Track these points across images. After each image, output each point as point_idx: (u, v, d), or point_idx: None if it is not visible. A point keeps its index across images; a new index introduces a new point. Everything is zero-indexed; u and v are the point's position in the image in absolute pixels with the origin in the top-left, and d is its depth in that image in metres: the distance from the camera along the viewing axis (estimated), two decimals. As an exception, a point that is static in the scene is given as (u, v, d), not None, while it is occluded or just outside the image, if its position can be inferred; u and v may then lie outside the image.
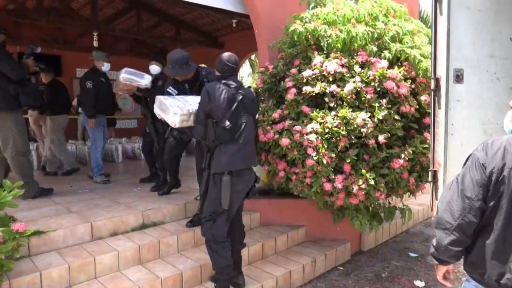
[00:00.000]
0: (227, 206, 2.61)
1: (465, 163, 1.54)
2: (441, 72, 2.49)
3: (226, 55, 2.85)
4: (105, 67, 4.97)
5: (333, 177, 3.17)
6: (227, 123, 2.62)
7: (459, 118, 2.58)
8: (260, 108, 3.47)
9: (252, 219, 3.93)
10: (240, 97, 2.69)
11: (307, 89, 3.28)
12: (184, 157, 4.06)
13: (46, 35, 8.68)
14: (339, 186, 3.14)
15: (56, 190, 4.30)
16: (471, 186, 1.44)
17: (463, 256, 1.58)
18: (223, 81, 2.72)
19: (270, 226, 3.97)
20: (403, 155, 3.16)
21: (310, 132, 3.16)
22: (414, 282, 3.50)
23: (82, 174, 5.45)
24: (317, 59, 3.38)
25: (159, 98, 2.94)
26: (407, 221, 4.33)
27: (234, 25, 7.35)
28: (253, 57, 12.83)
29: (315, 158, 3.12)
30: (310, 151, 3.15)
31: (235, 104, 2.66)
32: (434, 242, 1.57)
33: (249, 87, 3.04)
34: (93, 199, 4.04)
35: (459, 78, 2.56)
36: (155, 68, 4.49)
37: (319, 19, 3.61)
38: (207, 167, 2.74)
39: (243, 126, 2.69)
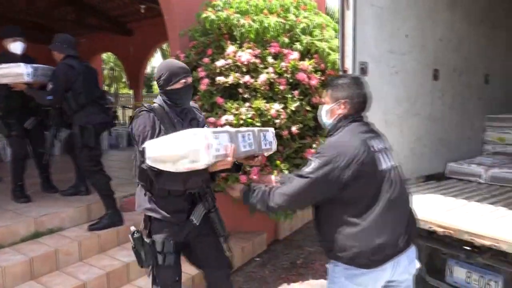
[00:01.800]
0: None
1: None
2: (348, 64, 2.59)
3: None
4: None
5: (248, 169, 3.13)
6: None
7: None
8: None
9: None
10: None
11: (220, 79, 3.18)
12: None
13: None
14: (255, 177, 3.11)
15: None
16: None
17: (325, 245, 1.68)
18: None
19: (185, 223, 3.81)
20: (314, 145, 3.26)
21: (225, 124, 3.07)
22: (326, 265, 3.66)
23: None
24: (230, 48, 3.29)
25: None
26: (319, 208, 4.52)
27: (142, 10, 6.90)
28: (165, 46, 12.31)
29: (230, 150, 3.04)
30: (224, 143, 3.06)
31: None
32: (273, 204, 1.63)
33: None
34: (-28, 206, 3.42)
35: (364, 71, 2.69)
36: (21, 46, 3.56)
37: (232, 7, 3.53)
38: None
39: None
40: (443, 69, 3.21)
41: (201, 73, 3.31)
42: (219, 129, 1.69)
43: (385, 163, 1.63)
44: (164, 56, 14.28)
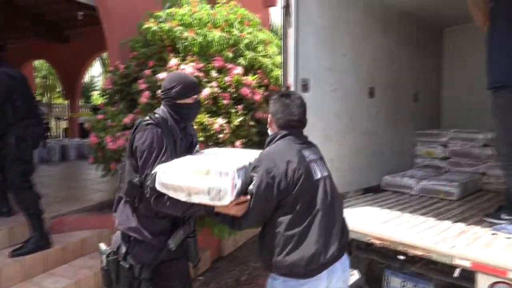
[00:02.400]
0: None
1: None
2: (290, 81, 2.64)
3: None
4: None
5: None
6: None
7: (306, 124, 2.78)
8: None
9: (102, 238, 3.47)
10: None
11: (162, 92, 3.08)
12: None
13: None
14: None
15: None
16: None
17: (264, 257, 1.67)
18: None
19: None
20: (258, 160, 3.26)
21: (166, 138, 2.97)
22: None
23: None
24: (173, 61, 3.22)
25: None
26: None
27: (80, 17, 6.55)
28: (105, 55, 11.80)
29: (172, 165, 2.94)
30: (166, 158, 2.96)
31: None
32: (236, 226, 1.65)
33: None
34: None
35: (305, 87, 2.76)
36: None
37: (175, 19, 3.47)
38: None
39: None
40: (378, 87, 3.41)
41: (142, 85, 3.19)
42: (239, 163, 1.63)
43: (319, 173, 1.69)
44: (105, 66, 13.62)
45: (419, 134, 3.89)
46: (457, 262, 1.88)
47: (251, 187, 1.62)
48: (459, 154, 3.60)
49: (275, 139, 1.73)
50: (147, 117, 1.79)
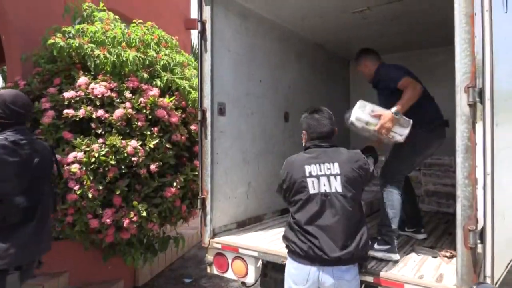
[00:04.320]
0: None
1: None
2: (206, 104, 2.65)
3: (10, 95, 1.94)
4: None
5: (100, 212, 2.84)
6: (21, 200, 1.83)
7: (223, 147, 2.80)
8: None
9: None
10: (36, 159, 1.92)
11: (69, 112, 2.86)
12: None
13: None
14: (108, 221, 2.83)
15: None
16: None
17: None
18: (11, 137, 1.85)
19: (19, 280, 3.16)
20: (175, 183, 3.17)
21: (72, 162, 2.75)
22: None
23: None
24: (82, 79, 3.02)
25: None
26: (181, 249, 4.36)
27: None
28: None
29: (78, 192, 2.72)
30: (72, 184, 2.72)
31: (30, 171, 1.89)
32: None
33: (40, 138, 2.45)
34: None
35: (222, 111, 2.79)
36: None
37: (86, 36, 3.28)
38: None
39: (42, 199, 1.96)
40: (292, 112, 3.58)
41: (46, 104, 2.93)
42: None
43: (319, 188, 1.88)
44: (4, 80, 12.25)
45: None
46: (361, 278, 2.01)
47: None
48: (364, 175, 3.91)
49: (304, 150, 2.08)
50: None
